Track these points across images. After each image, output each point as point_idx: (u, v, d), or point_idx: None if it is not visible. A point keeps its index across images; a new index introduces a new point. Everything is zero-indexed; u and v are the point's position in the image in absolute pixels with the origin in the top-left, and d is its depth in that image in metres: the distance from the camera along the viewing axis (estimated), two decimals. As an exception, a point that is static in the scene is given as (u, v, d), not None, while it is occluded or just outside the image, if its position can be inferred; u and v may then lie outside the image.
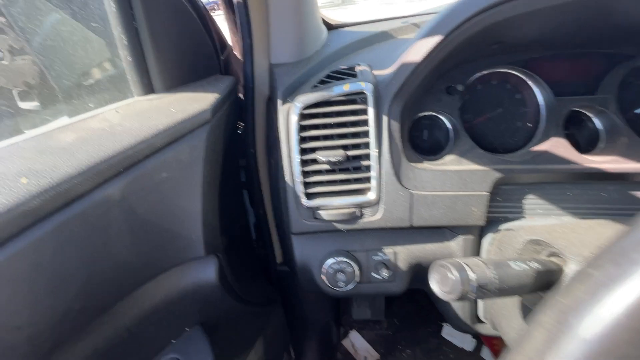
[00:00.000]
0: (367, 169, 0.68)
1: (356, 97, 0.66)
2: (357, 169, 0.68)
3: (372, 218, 0.69)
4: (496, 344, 1.26)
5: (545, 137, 0.69)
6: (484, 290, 0.43)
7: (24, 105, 0.71)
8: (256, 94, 0.79)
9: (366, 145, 0.67)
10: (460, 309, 0.77)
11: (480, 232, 0.72)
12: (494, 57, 0.73)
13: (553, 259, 0.53)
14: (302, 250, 0.77)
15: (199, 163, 0.63)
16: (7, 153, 0.50)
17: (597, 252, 0.25)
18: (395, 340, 1.38)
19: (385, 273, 0.73)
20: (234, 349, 0.88)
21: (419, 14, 1.14)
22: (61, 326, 0.48)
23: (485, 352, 1.29)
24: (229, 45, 1.04)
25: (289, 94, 0.71)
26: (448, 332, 1.37)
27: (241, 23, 0.73)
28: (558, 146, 0.68)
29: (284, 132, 0.68)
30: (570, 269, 0.49)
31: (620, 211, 0.66)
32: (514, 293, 0.48)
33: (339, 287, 0.73)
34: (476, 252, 0.73)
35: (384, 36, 0.93)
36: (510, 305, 0.62)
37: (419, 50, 0.62)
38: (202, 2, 0.84)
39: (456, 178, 0.66)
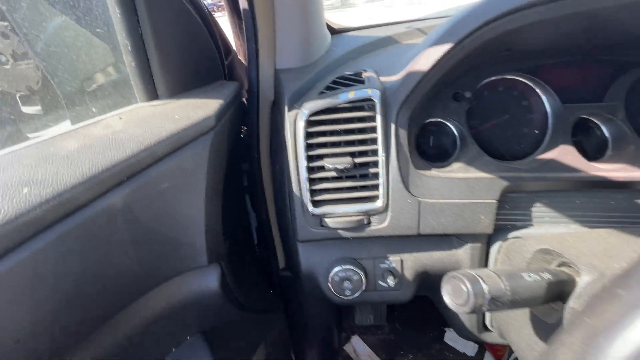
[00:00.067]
0: (375, 176, 0.67)
1: (364, 104, 0.65)
2: (364, 176, 0.68)
3: (379, 226, 0.68)
4: (499, 350, 1.25)
5: (552, 145, 0.69)
6: (497, 303, 0.43)
7: (27, 109, 0.71)
8: (261, 99, 0.78)
9: (374, 153, 0.66)
10: (468, 317, 0.77)
11: (488, 240, 0.71)
12: (502, 63, 0.72)
13: (564, 269, 0.52)
14: (308, 257, 0.76)
15: (203, 171, 0.62)
16: (8, 161, 0.49)
17: (624, 271, 0.25)
18: (397, 345, 1.38)
19: (391, 281, 0.73)
20: (236, 356, 0.87)
21: (422, 18, 1.14)
22: (62, 337, 0.47)
23: (488, 358, 1.29)
24: (234, 50, 1.03)
25: (296, 100, 0.70)
26: (450, 337, 1.36)
27: (247, 28, 0.72)
28: (566, 154, 0.67)
29: (291, 139, 0.68)
30: (584, 280, 0.48)
31: (628, 219, 0.66)
32: (526, 305, 0.47)
33: (345, 295, 0.72)
34: (484, 260, 0.72)
35: (388, 41, 0.93)
36: (519, 314, 0.61)
37: (428, 58, 0.61)
38: (206, 7, 0.83)
39: (464, 186, 0.66)
